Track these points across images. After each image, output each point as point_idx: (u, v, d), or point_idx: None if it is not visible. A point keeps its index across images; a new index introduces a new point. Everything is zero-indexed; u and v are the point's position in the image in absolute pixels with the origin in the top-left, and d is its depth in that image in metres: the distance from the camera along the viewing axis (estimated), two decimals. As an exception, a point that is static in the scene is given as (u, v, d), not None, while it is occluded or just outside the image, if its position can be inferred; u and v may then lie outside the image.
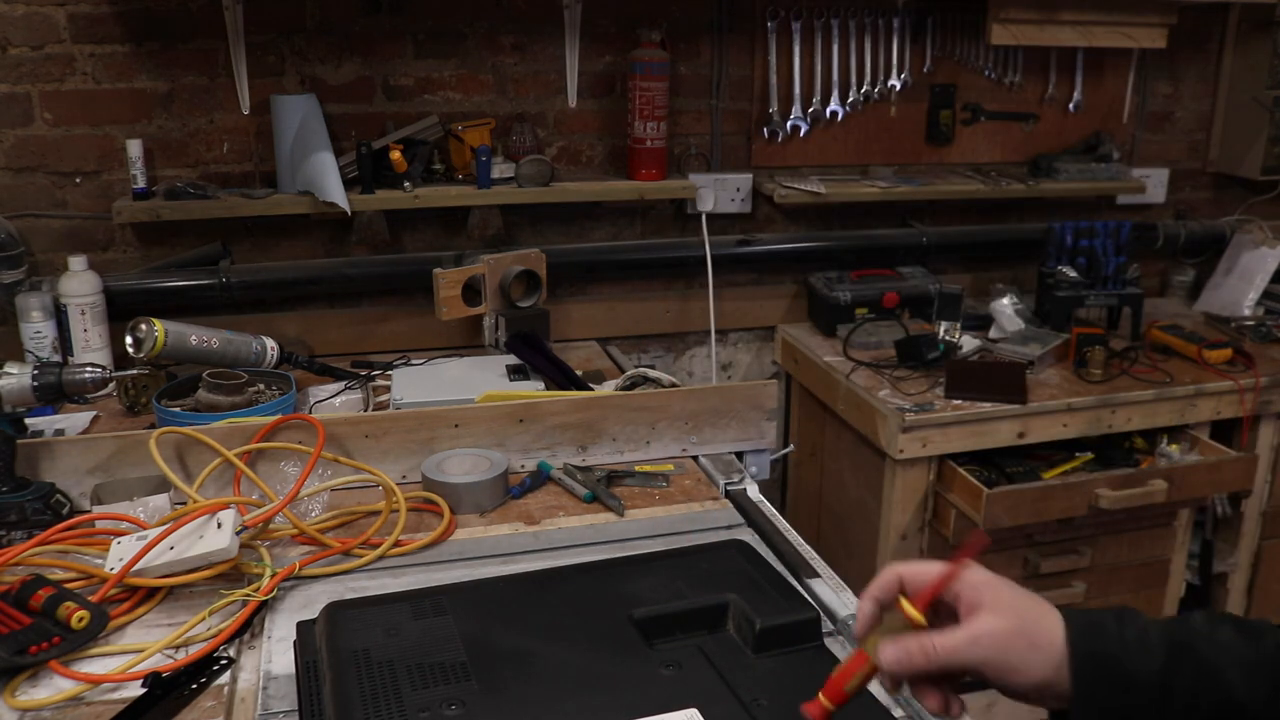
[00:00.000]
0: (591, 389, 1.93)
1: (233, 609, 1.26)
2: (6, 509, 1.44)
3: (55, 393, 1.59)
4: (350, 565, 1.39)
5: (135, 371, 1.84)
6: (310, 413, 1.82)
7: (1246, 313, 2.69)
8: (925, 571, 0.78)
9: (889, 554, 2.23)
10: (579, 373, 2.03)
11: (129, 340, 1.87)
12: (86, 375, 1.60)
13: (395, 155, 2.21)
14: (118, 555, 1.29)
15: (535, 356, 2.03)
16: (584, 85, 2.39)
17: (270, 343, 2.03)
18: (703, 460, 1.75)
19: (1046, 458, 2.29)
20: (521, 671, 1.04)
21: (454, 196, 2.27)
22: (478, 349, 2.28)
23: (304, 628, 1.19)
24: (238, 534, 1.32)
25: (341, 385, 2.03)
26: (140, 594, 1.29)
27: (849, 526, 2.43)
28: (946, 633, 0.75)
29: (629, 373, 1.90)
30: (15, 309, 2.01)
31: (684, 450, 1.76)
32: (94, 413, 1.90)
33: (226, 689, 1.14)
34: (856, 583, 1.69)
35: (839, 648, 1.21)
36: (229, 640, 1.22)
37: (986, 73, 2.69)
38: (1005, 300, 2.53)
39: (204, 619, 1.24)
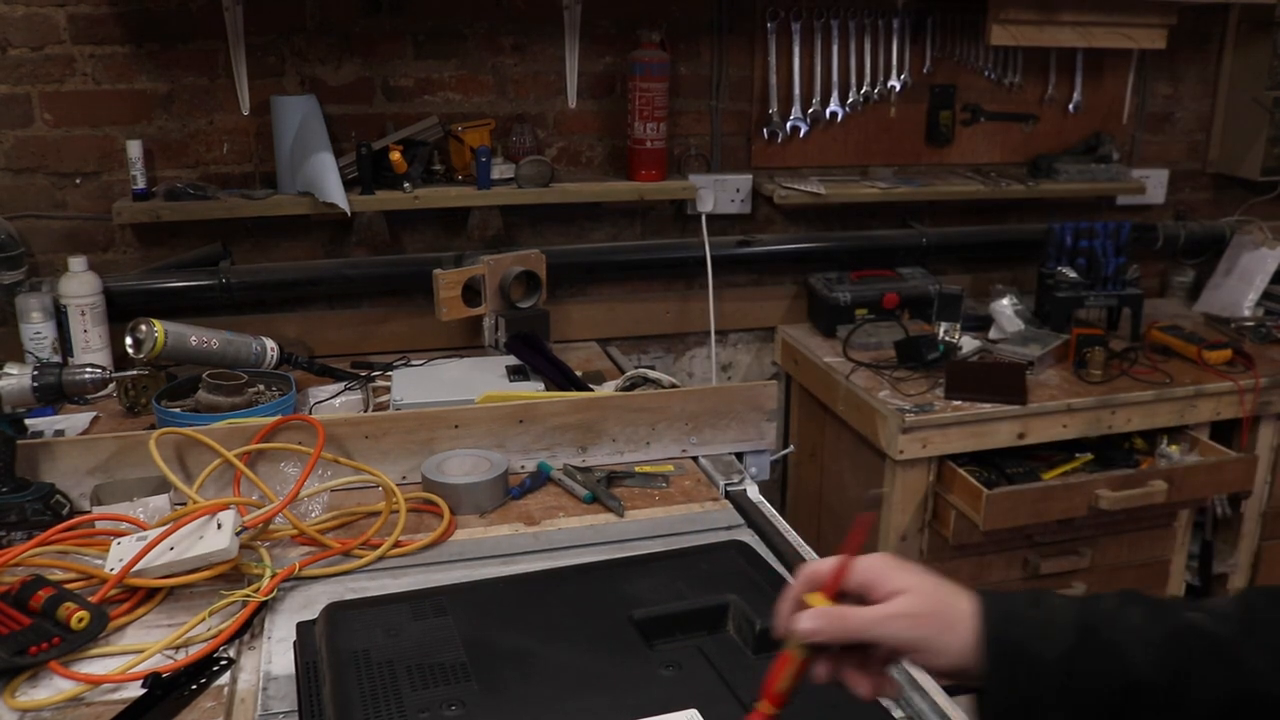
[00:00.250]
0: (591, 390, 1.93)
1: (233, 609, 1.26)
2: (6, 509, 1.44)
3: (55, 393, 1.59)
4: (350, 566, 1.39)
5: (135, 372, 1.84)
6: (310, 413, 1.83)
7: (1246, 313, 2.69)
8: (829, 563, 0.79)
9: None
10: (579, 373, 2.03)
11: (129, 341, 1.87)
12: (86, 376, 1.60)
13: (395, 156, 2.21)
14: (118, 556, 1.29)
15: (535, 357, 2.03)
16: (584, 86, 2.39)
17: (270, 343, 2.03)
18: (703, 461, 1.75)
19: (1046, 458, 2.29)
20: (521, 672, 1.04)
21: (454, 197, 2.27)
22: (477, 350, 2.28)
23: (304, 628, 1.19)
24: (238, 535, 1.32)
25: (341, 386, 2.03)
26: (140, 594, 1.29)
27: (849, 527, 2.42)
28: (861, 608, 0.76)
29: (629, 373, 1.90)
30: (15, 310, 2.01)
31: (684, 451, 1.76)
32: (94, 413, 1.90)
33: (226, 690, 1.14)
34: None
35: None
36: (229, 641, 1.22)
37: (986, 73, 2.69)
38: (1005, 301, 2.53)
39: (204, 619, 1.24)
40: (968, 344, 2.40)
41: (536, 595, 1.20)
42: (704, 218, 2.47)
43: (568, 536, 1.50)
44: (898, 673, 1.01)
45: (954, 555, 2.25)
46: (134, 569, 1.26)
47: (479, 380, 1.94)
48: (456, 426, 1.66)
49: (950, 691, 1.04)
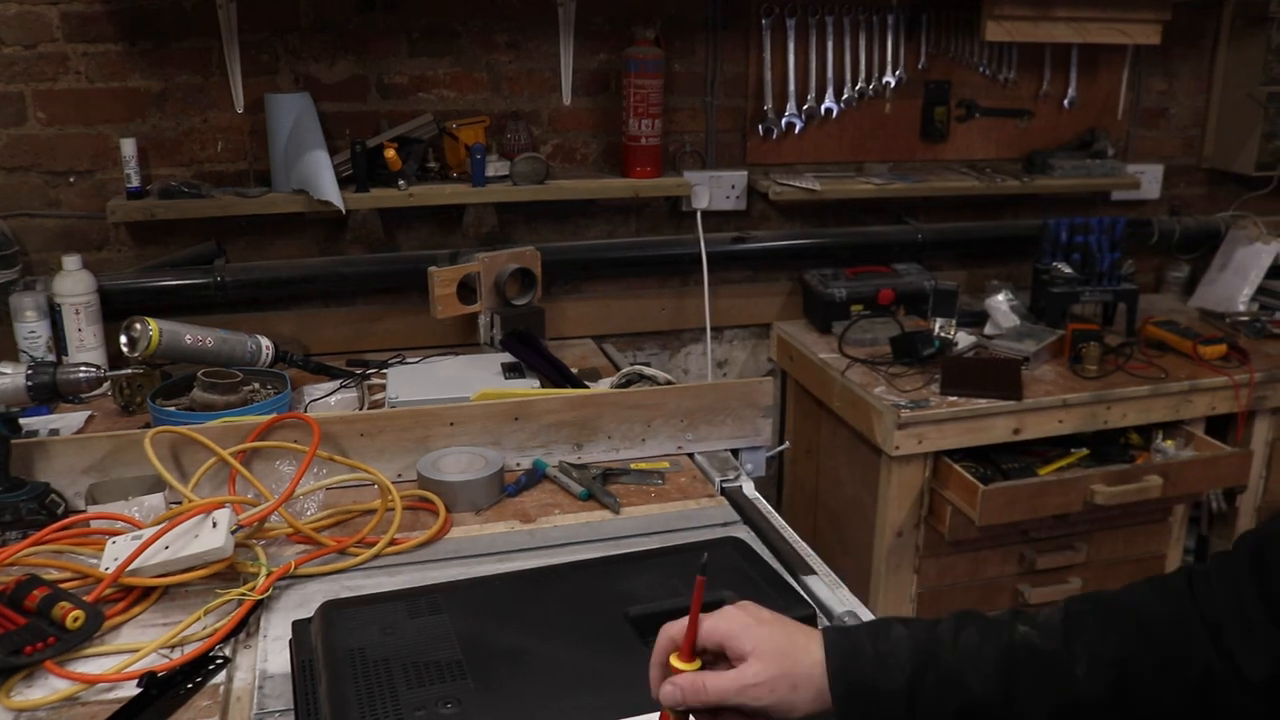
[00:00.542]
0: (587, 387, 1.93)
1: (228, 608, 1.26)
2: (1, 509, 1.44)
3: (50, 392, 1.58)
4: (346, 564, 1.39)
5: (130, 371, 1.84)
6: (305, 411, 1.83)
7: (1241, 308, 2.70)
8: (680, 626, 0.84)
9: (885, 551, 2.23)
10: (574, 370, 2.03)
11: (123, 340, 1.86)
12: (81, 375, 1.60)
13: (390, 154, 2.20)
14: (113, 555, 1.29)
15: (530, 354, 2.03)
16: (578, 83, 2.39)
17: (265, 342, 2.03)
18: (698, 457, 1.75)
19: (1042, 454, 2.29)
20: (517, 670, 1.04)
21: (449, 195, 2.26)
22: (473, 347, 2.28)
23: (299, 626, 1.19)
24: (233, 533, 1.32)
25: (337, 384, 2.03)
26: (135, 594, 1.28)
27: (845, 523, 2.44)
28: (718, 674, 0.81)
29: (624, 370, 1.90)
30: (9, 309, 2.01)
31: (679, 447, 1.76)
32: (89, 412, 1.90)
33: (222, 688, 1.14)
34: (852, 580, 1.70)
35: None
36: (224, 639, 1.21)
37: (981, 69, 2.69)
38: (1000, 297, 2.54)
39: (199, 618, 1.24)
40: (963, 340, 2.40)
41: (532, 593, 1.21)
42: (699, 214, 2.47)
43: (563, 534, 1.50)
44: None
45: (950, 551, 2.25)
46: (129, 568, 1.26)
47: (474, 378, 1.94)
48: (452, 424, 1.66)
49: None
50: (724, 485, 1.65)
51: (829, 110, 2.58)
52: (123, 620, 1.26)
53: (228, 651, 1.20)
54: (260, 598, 1.28)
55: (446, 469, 1.59)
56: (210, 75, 2.18)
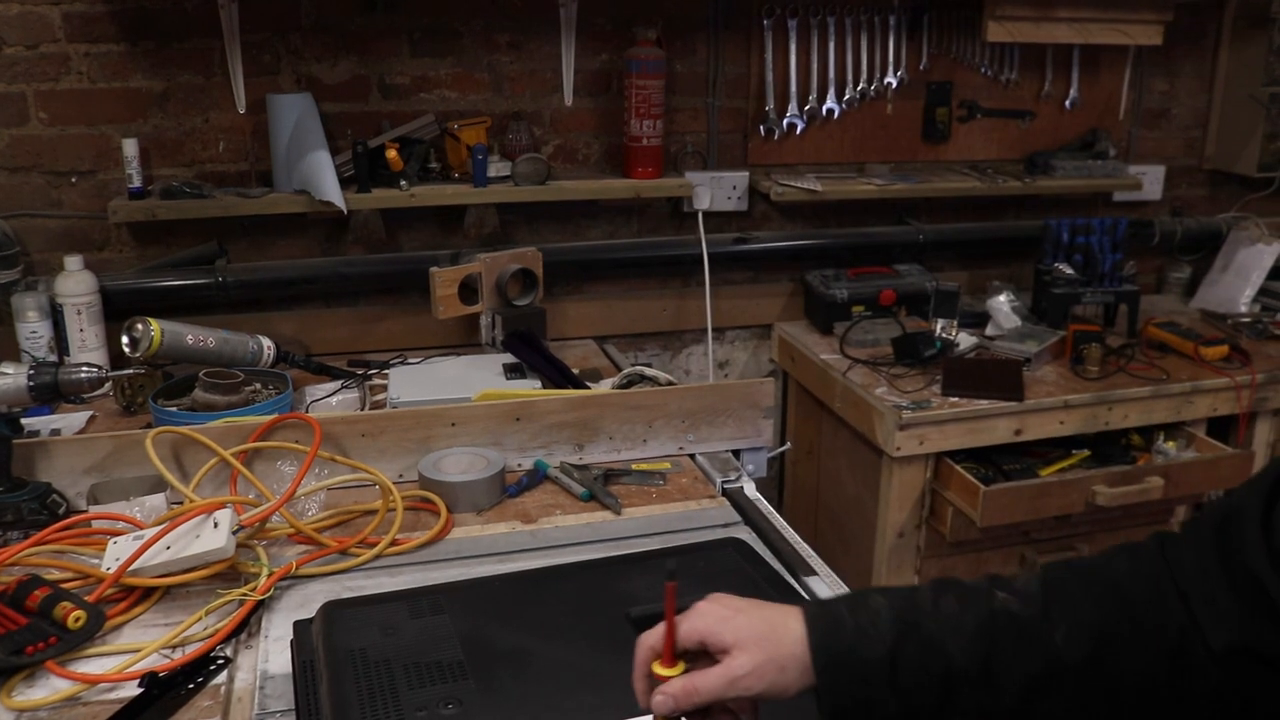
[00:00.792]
0: (588, 387, 1.93)
1: (229, 608, 1.26)
2: (3, 509, 1.44)
3: (51, 393, 1.59)
4: (347, 564, 1.39)
5: (131, 371, 1.83)
6: (307, 412, 1.83)
7: (1243, 309, 2.69)
8: (658, 633, 0.84)
9: (886, 552, 2.23)
10: (576, 371, 2.03)
11: (125, 340, 1.86)
12: (82, 375, 1.60)
13: (391, 154, 2.20)
14: (114, 555, 1.29)
15: (532, 355, 2.03)
16: (580, 83, 2.38)
17: (266, 342, 2.03)
18: (700, 458, 1.75)
19: (1043, 455, 2.29)
20: (518, 670, 1.04)
21: (450, 195, 2.26)
22: (474, 348, 2.28)
23: (301, 627, 1.19)
24: (234, 533, 1.32)
25: (338, 384, 2.03)
26: (137, 594, 1.28)
27: (846, 524, 2.43)
28: (706, 673, 0.82)
29: (626, 371, 1.90)
30: (11, 309, 2.01)
31: (681, 448, 1.76)
32: (90, 412, 1.90)
33: (223, 688, 1.14)
34: (854, 580, 1.70)
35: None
36: (226, 640, 1.21)
37: (983, 70, 2.69)
38: (1002, 297, 2.53)
39: (201, 618, 1.24)
40: (965, 341, 2.40)
41: (533, 593, 1.21)
42: (700, 215, 2.47)
43: (565, 534, 1.50)
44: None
45: (951, 552, 2.25)
46: (130, 568, 1.26)
47: (476, 378, 1.94)
48: (453, 424, 1.66)
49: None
50: (725, 486, 1.65)
51: (830, 111, 2.58)
52: (124, 620, 1.26)
53: (229, 652, 1.20)
54: (261, 598, 1.28)
55: (448, 469, 1.59)
56: (212, 75, 2.18)
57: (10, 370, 1.56)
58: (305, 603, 1.30)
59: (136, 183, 2.13)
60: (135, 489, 1.51)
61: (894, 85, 2.60)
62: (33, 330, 1.99)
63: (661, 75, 2.34)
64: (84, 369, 1.61)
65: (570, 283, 2.51)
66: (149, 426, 1.64)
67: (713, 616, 0.83)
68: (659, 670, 0.83)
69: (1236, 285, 2.74)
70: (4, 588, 1.22)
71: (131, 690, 1.12)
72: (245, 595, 1.27)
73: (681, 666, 0.83)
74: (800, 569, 1.39)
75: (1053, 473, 2.23)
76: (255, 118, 2.22)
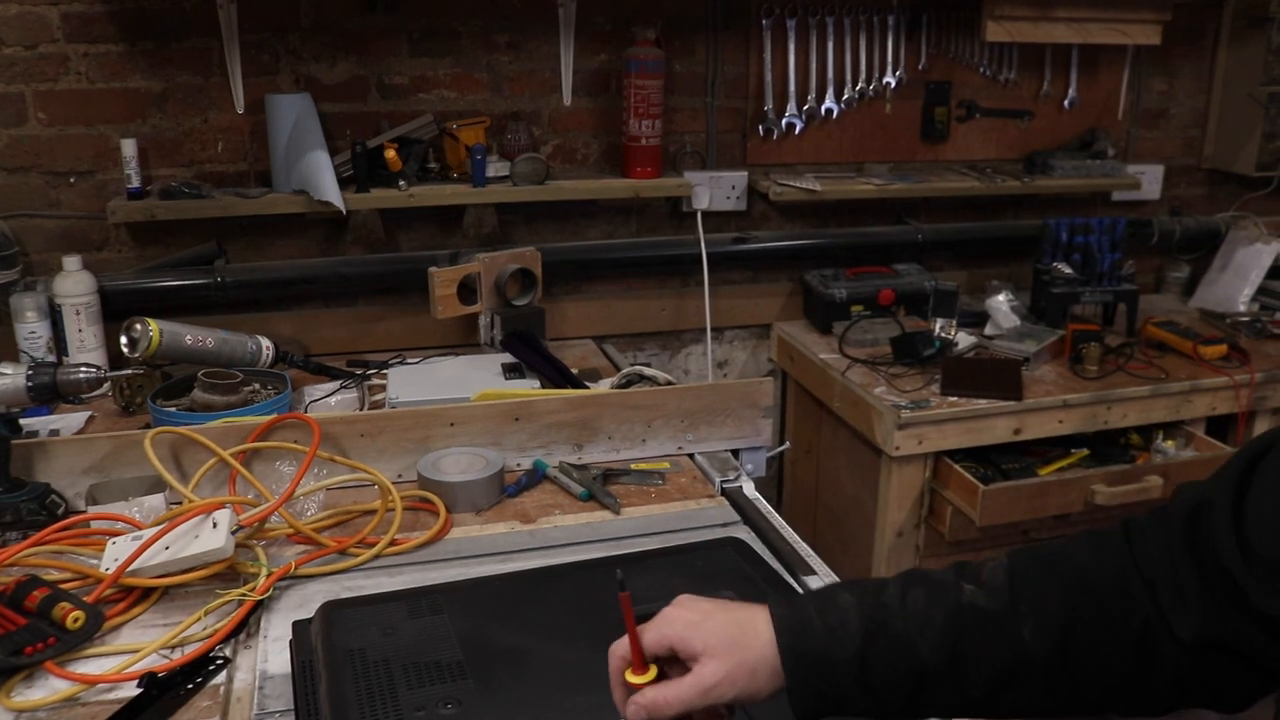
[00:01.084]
0: (587, 387, 1.93)
1: (228, 609, 1.26)
2: (2, 509, 1.44)
3: (50, 393, 1.59)
4: (346, 564, 1.39)
5: (130, 371, 1.83)
6: (306, 412, 1.82)
7: (1241, 309, 2.70)
8: (625, 644, 0.85)
9: (885, 551, 2.23)
10: (575, 371, 2.03)
11: (124, 340, 1.86)
12: (81, 375, 1.60)
13: (390, 154, 2.20)
14: (113, 555, 1.29)
15: (531, 355, 2.03)
16: (579, 83, 2.38)
17: (265, 342, 2.03)
18: (699, 458, 1.75)
19: (1042, 454, 2.29)
20: (517, 670, 1.04)
21: (449, 195, 2.26)
22: (473, 348, 2.28)
23: (300, 627, 1.19)
24: (233, 534, 1.32)
25: (337, 384, 2.03)
26: (136, 594, 1.28)
27: (845, 524, 2.43)
28: (679, 683, 0.82)
29: (625, 371, 1.90)
30: (10, 309, 2.01)
31: (680, 448, 1.76)
32: (89, 413, 1.90)
33: (222, 689, 1.14)
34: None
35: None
36: (225, 640, 1.21)
37: (981, 70, 2.69)
38: (1001, 297, 2.54)
39: (200, 619, 1.24)
40: (963, 340, 2.40)
41: (532, 593, 1.21)
42: (699, 215, 2.47)
43: (564, 534, 1.50)
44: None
45: (950, 551, 2.25)
46: (129, 568, 1.26)
47: (475, 378, 1.94)
48: (452, 424, 1.66)
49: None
50: (724, 486, 1.65)
51: (829, 111, 2.58)
52: (123, 621, 1.26)
53: (228, 652, 1.20)
54: (260, 598, 1.28)
55: (447, 469, 1.59)
56: (211, 76, 2.18)
57: (9, 370, 1.56)
58: (304, 603, 1.30)
59: (135, 183, 2.13)
60: (134, 489, 1.51)
61: (893, 85, 2.60)
62: (31, 330, 1.99)
63: (660, 75, 2.34)
64: (83, 369, 1.61)
65: (569, 282, 2.51)
66: (148, 427, 1.64)
67: (680, 622, 0.83)
68: (631, 678, 0.83)
69: (1235, 284, 2.74)
70: (3, 588, 1.22)
71: (130, 690, 1.12)
72: (244, 595, 1.27)
73: (653, 671, 0.83)
74: (799, 568, 1.39)
75: (1052, 472, 2.24)
76: (254, 118, 2.21)
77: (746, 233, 2.60)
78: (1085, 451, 2.31)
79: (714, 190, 2.53)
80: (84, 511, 1.48)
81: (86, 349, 2.02)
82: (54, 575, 1.31)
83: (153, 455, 1.46)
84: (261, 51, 2.20)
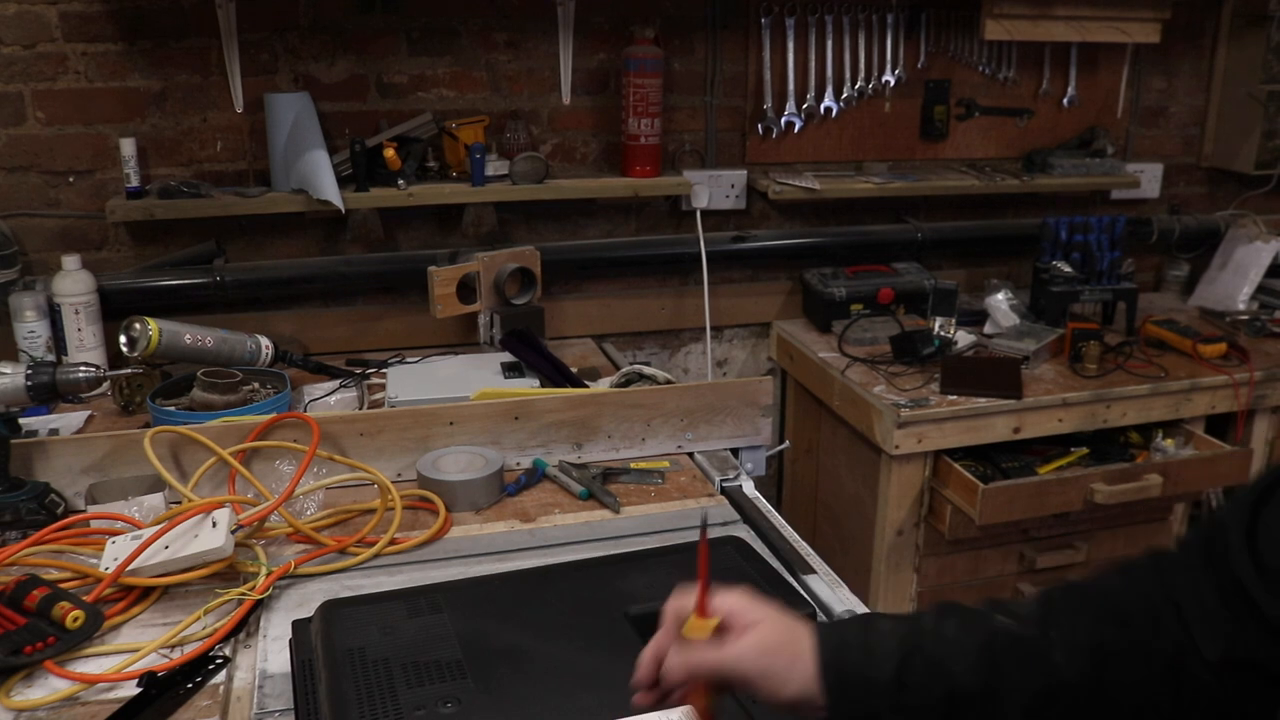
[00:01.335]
0: (586, 386, 1.93)
1: (228, 608, 1.26)
2: (1, 509, 1.44)
3: (49, 392, 1.59)
4: (345, 563, 1.39)
5: (130, 371, 1.84)
6: (305, 411, 1.82)
7: (1241, 307, 2.70)
8: (689, 593, 0.87)
9: (885, 550, 2.23)
10: (574, 370, 2.03)
11: (123, 339, 1.86)
12: (81, 375, 1.60)
13: (389, 153, 2.20)
14: (113, 555, 1.29)
15: (530, 354, 2.03)
16: (578, 82, 2.38)
17: (265, 341, 2.03)
18: (698, 457, 1.75)
19: (1042, 453, 2.29)
20: (517, 669, 1.04)
21: (448, 194, 2.26)
22: (473, 347, 2.28)
23: (299, 626, 1.19)
24: (233, 533, 1.32)
25: (336, 383, 2.03)
26: (135, 593, 1.28)
27: (845, 522, 2.44)
28: (726, 643, 0.84)
29: (624, 370, 1.90)
30: (9, 309, 2.01)
31: (679, 447, 1.76)
32: (88, 412, 1.90)
33: (222, 688, 1.14)
34: (852, 579, 1.70)
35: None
36: (224, 639, 1.21)
37: (981, 68, 2.69)
38: (1000, 295, 2.54)
39: (199, 618, 1.24)
40: (963, 339, 2.40)
41: (532, 592, 1.21)
42: (699, 214, 2.47)
43: (563, 533, 1.50)
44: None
45: (950, 550, 2.25)
46: (129, 568, 1.26)
47: (474, 377, 1.94)
48: (452, 423, 1.66)
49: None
50: (724, 484, 1.65)
51: (829, 109, 2.58)
52: (122, 620, 1.26)
53: (227, 651, 1.20)
54: (260, 597, 1.28)
55: (446, 468, 1.59)
56: (210, 75, 2.18)
57: (8, 370, 1.56)
58: (304, 602, 1.30)
59: (134, 182, 2.13)
60: (133, 488, 1.51)
61: (892, 84, 2.60)
62: (30, 330, 1.99)
63: (659, 74, 2.34)
64: (82, 368, 1.61)
65: (568, 281, 2.51)
66: (147, 426, 1.64)
67: (743, 599, 0.87)
68: (692, 629, 0.85)
69: (1234, 283, 2.74)
70: (2, 587, 1.22)
71: (130, 690, 1.12)
72: (244, 594, 1.27)
73: (716, 620, 0.85)
74: (799, 567, 1.39)
75: (1051, 470, 2.24)
76: (253, 117, 2.21)
77: (746, 231, 2.60)
78: (1085, 450, 2.31)
79: (713, 189, 2.53)
80: (83, 511, 1.48)
81: (86, 348, 2.02)
82: (53, 574, 1.31)
83: (152, 454, 1.46)
84: (260, 51, 2.19)
